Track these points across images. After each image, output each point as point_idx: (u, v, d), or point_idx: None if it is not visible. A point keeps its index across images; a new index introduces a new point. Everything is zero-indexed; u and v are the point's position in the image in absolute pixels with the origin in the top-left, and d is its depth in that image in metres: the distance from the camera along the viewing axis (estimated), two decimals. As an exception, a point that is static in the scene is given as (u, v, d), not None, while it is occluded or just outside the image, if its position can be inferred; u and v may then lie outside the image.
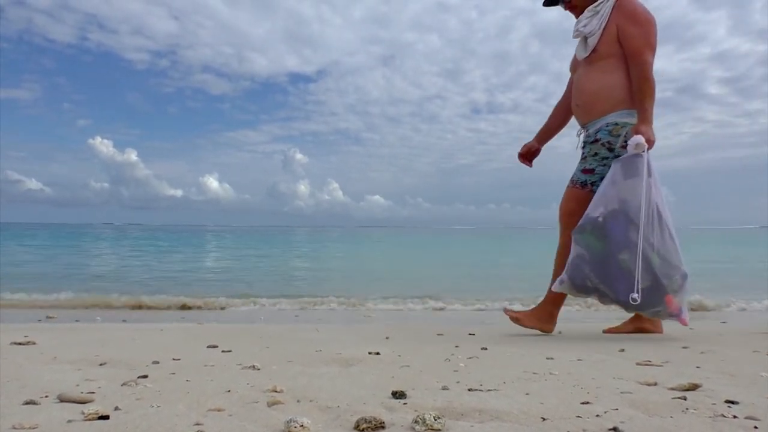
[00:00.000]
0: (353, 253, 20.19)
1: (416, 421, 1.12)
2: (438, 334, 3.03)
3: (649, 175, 2.62)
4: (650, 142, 2.65)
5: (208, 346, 2.37)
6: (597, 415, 1.21)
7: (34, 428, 1.08)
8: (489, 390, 1.46)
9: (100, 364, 1.89)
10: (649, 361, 1.98)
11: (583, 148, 2.96)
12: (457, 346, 2.44)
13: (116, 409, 1.23)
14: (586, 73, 2.92)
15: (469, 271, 11.35)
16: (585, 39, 2.90)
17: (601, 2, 2.82)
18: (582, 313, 5.32)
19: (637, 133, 2.66)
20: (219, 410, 1.23)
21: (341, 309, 5.69)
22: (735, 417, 1.20)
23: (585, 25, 2.87)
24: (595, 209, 2.68)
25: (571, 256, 2.75)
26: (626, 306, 2.70)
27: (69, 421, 1.13)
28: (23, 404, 1.27)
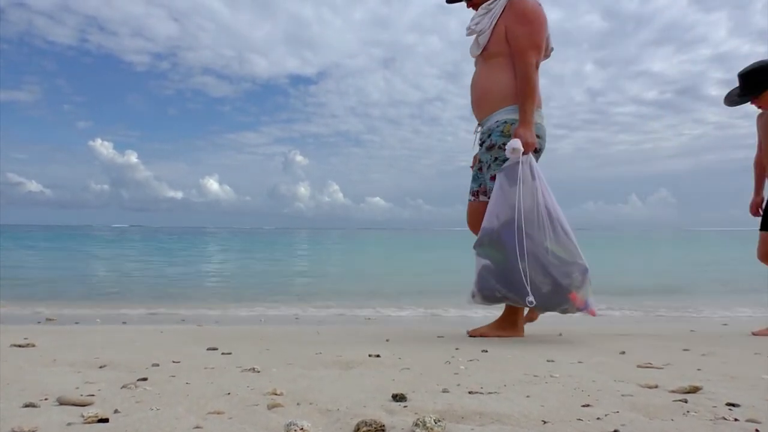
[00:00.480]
0: (354, 255, 20.19)
1: (417, 424, 1.12)
2: (438, 337, 3.02)
3: (533, 177, 2.62)
4: (528, 145, 2.63)
5: (208, 349, 2.37)
6: (598, 418, 1.21)
7: (33, 431, 1.08)
8: (490, 393, 1.46)
9: (100, 367, 1.89)
10: (650, 364, 1.98)
11: (481, 146, 2.92)
12: (457, 349, 2.43)
13: (116, 411, 1.23)
14: (478, 70, 2.93)
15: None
16: (477, 37, 2.90)
17: (495, 1, 2.82)
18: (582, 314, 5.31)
19: (515, 136, 2.65)
20: (219, 413, 1.23)
21: (342, 311, 5.68)
22: (736, 420, 1.20)
23: (477, 23, 2.87)
24: (490, 221, 2.70)
25: (477, 269, 2.77)
26: (537, 309, 2.73)
27: (68, 424, 1.13)
28: (23, 407, 1.27)
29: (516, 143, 2.60)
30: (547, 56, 2.99)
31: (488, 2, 2.84)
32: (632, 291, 7.67)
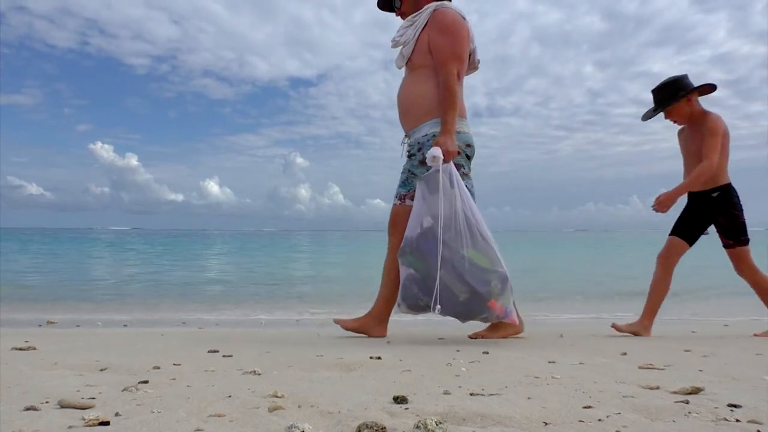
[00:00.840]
0: (354, 257, 20.17)
1: (418, 426, 1.11)
2: (439, 338, 3.02)
3: (452, 185, 2.62)
4: (449, 154, 2.64)
5: (208, 351, 2.37)
6: (599, 420, 1.20)
7: (34, 435, 1.08)
8: (491, 394, 1.46)
9: (101, 370, 1.89)
10: (651, 365, 1.97)
11: (409, 158, 2.92)
12: (458, 351, 2.43)
13: (117, 414, 1.23)
14: (403, 82, 2.94)
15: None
16: (402, 48, 2.91)
17: (419, 13, 2.83)
18: (583, 316, 5.31)
19: (436, 144, 2.65)
20: (220, 416, 1.23)
21: (342, 313, 5.67)
22: (737, 421, 1.19)
23: (401, 35, 2.89)
24: (412, 230, 2.71)
25: (401, 278, 2.77)
26: (459, 318, 2.72)
27: (69, 427, 1.13)
28: (24, 410, 1.27)
29: (436, 151, 2.60)
30: (474, 69, 3.00)
31: (413, 15, 2.86)
32: (632, 293, 7.66)
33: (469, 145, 2.82)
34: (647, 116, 3.39)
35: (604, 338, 3.10)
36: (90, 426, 1.14)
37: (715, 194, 3.23)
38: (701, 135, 3.19)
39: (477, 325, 2.95)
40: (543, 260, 17.35)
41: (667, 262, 3.34)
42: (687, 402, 1.35)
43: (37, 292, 7.30)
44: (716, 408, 1.30)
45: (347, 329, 3.04)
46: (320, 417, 1.24)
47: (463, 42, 2.76)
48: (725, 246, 3.28)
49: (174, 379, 1.70)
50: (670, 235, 3.37)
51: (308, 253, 22.27)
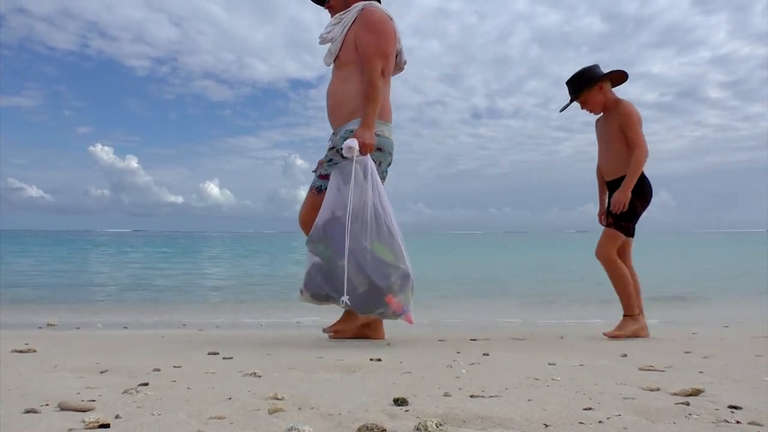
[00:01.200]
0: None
1: (418, 428, 1.12)
2: (439, 340, 3.02)
3: (365, 177, 2.61)
4: (366, 146, 2.64)
5: (209, 353, 2.37)
6: (600, 422, 1.20)
7: (34, 437, 1.08)
8: (491, 396, 1.46)
9: (101, 372, 1.89)
10: (652, 367, 1.97)
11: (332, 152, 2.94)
12: (458, 352, 2.43)
13: (117, 417, 1.23)
14: (332, 79, 2.94)
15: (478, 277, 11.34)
16: (331, 45, 2.91)
17: (348, 10, 2.84)
18: (583, 318, 5.31)
19: (354, 136, 2.66)
20: (220, 418, 1.23)
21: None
22: (738, 422, 1.19)
23: (329, 32, 2.89)
24: (321, 218, 2.70)
25: (307, 266, 2.77)
26: (357, 310, 2.70)
27: (69, 430, 1.13)
28: (24, 413, 1.27)
29: (352, 142, 2.61)
30: (399, 69, 3.00)
31: (342, 12, 2.86)
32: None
33: (380, 150, 2.78)
34: (563, 108, 3.36)
35: (605, 340, 3.10)
36: (90, 428, 1.14)
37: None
38: (616, 123, 3.18)
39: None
40: (554, 262, 17.35)
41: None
42: (687, 403, 1.35)
43: (38, 294, 7.30)
44: (717, 409, 1.30)
45: (342, 336, 3.02)
46: (320, 419, 1.24)
47: (389, 40, 2.77)
48: (607, 225, 3.22)
49: (174, 381, 1.70)
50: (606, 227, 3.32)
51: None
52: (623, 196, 3.11)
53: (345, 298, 2.55)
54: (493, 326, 4.48)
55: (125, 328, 4.42)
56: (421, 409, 1.30)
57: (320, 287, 2.68)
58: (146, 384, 1.63)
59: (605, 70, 3.26)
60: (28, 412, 1.27)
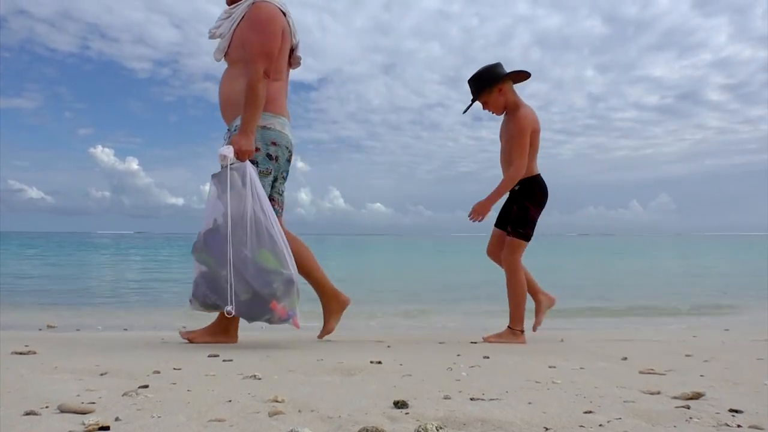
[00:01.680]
0: (355, 261, 20.17)
1: (418, 431, 1.11)
2: (439, 343, 3.02)
3: (244, 184, 2.59)
4: (244, 153, 2.60)
5: (209, 356, 2.36)
6: (600, 425, 1.20)
7: (34, 439, 1.08)
8: (491, 399, 1.46)
9: (101, 374, 1.89)
10: (652, 370, 1.97)
11: None
12: (458, 355, 2.43)
13: (117, 419, 1.23)
14: (223, 75, 2.89)
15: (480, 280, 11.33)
16: (220, 41, 2.86)
17: (238, 5, 2.77)
18: (584, 321, 5.30)
19: (231, 143, 2.62)
20: (220, 421, 1.23)
21: (343, 318, 5.67)
22: (739, 426, 1.19)
23: (218, 27, 2.83)
24: (203, 227, 2.68)
25: (194, 275, 2.75)
26: (243, 318, 2.69)
27: (69, 432, 1.13)
28: (24, 415, 1.27)
29: (226, 150, 2.58)
30: (297, 65, 2.94)
31: (232, 6, 2.80)
32: (633, 296, 7.66)
33: (275, 143, 2.74)
34: (466, 109, 3.30)
35: (605, 343, 3.10)
36: (90, 431, 1.14)
37: (516, 187, 3.16)
38: (512, 128, 3.13)
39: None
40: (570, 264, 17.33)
41: (498, 257, 3.28)
42: (688, 407, 1.35)
43: (38, 296, 7.30)
44: (717, 413, 1.30)
45: (192, 341, 2.94)
46: (321, 422, 1.24)
47: (274, 39, 2.70)
48: (507, 233, 3.18)
49: (174, 383, 1.70)
50: (494, 226, 3.33)
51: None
52: (483, 207, 3.08)
53: (229, 307, 2.56)
54: (493, 329, 4.47)
55: (125, 330, 4.42)
56: (421, 412, 1.30)
57: (207, 296, 2.68)
58: (146, 386, 1.63)
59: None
60: (28, 414, 1.27)
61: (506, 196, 3.28)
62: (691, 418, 1.26)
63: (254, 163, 2.68)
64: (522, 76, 3.21)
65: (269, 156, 2.74)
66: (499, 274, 3.31)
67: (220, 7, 2.88)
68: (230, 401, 1.42)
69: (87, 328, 4.44)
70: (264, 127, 2.70)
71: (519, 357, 2.37)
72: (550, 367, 2.08)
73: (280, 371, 1.95)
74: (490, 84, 3.13)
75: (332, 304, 3.06)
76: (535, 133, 3.13)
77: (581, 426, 1.20)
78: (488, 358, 2.34)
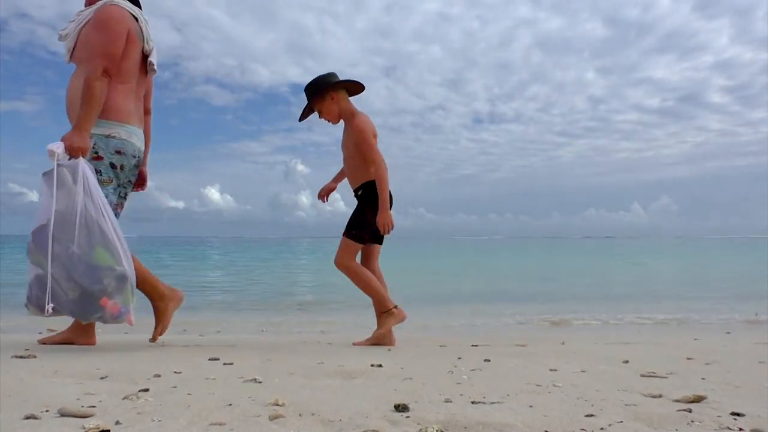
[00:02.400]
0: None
1: (419, 435, 1.11)
2: (440, 346, 3.02)
3: (75, 181, 2.55)
4: (75, 150, 2.56)
5: (209, 359, 2.36)
6: (601, 428, 1.20)
7: (34, 443, 1.08)
8: (492, 402, 1.45)
9: (101, 378, 1.89)
10: (654, 373, 1.97)
11: None
12: (459, 358, 2.43)
13: (117, 423, 1.23)
14: (71, 76, 2.85)
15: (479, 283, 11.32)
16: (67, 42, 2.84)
17: (89, 7, 2.77)
18: (585, 324, 5.29)
19: (62, 139, 2.59)
20: (220, 424, 1.23)
21: (343, 321, 5.67)
22: (741, 430, 1.19)
23: (65, 28, 2.82)
24: (33, 226, 2.63)
25: (29, 278, 2.69)
26: (75, 317, 2.65)
27: (69, 436, 1.13)
28: (24, 419, 1.26)
29: (54, 146, 2.55)
30: (151, 72, 2.92)
31: (82, 9, 2.81)
32: (632, 299, 7.65)
33: (119, 152, 2.73)
34: (301, 117, 3.31)
35: (606, 345, 3.09)
36: (90, 434, 1.14)
37: (359, 192, 3.16)
38: (353, 137, 3.13)
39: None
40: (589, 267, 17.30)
41: (364, 265, 3.24)
42: (690, 410, 1.34)
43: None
44: (719, 416, 1.29)
45: (54, 343, 2.93)
46: (321, 425, 1.23)
47: (116, 39, 2.67)
48: (343, 233, 3.16)
49: (175, 387, 1.70)
50: (344, 235, 3.24)
51: (309, 261, 22.25)
52: (383, 218, 3.04)
53: (49, 306, 2.51)
54: (494, 332, 4.47)
55: (126, 333, 4.41)
56: (422, 416, 1.30)
57: (39, 298, 2.60)
58: (146, 390, 1.62)
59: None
60: (28, 418, 1.27)
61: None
62: (692, 421, 1.25)
63: (97, 172, 2.66)
64: (357, 87, 3.23)
65: (113, 165, 2.73)
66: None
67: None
68: (231, 405, 1.42)
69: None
70: (108, 136, 2.69)
71: (520, 360, 2.37)
72: (551, 370, 2.08)
73: (280, 374, 1.95)
74: (322, 91, 3.13)
75: (78, 332, 2.98)
76: (375, 137, 3.14)
77: (582, 429, 1.19)
78: (489, 361, 2.33)
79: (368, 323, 5.40)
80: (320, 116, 3.25)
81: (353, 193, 3.26)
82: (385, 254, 3.39)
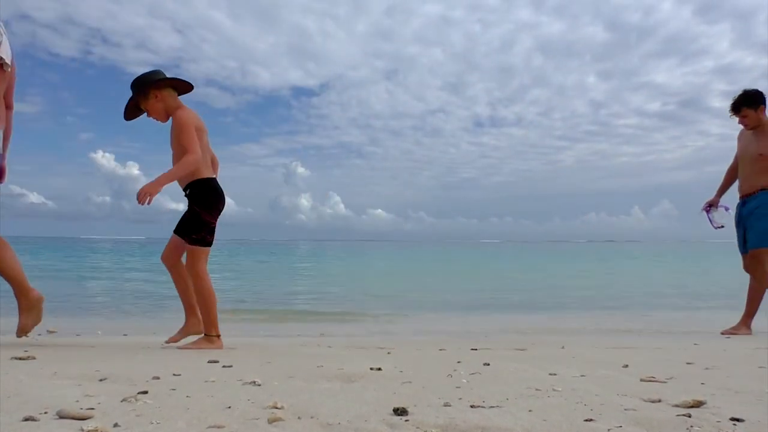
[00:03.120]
0: (357, 267, 20.16)
1: (418, 439, 1.11)
2: (440, 350, 3.01)
3: None
4: None
5: (208, 362, 2.36)
6: (601, 433, 1.20)
7: (32, 445, 1.08)
8: (492, 407, 1.45)
9: (100, 380, 1.88)
10: (653, 378, 1.96)
11: None
12: (459, 362, 2.42)
13: (116, 425, 1.22)
14: None
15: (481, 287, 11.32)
16: None
17: None
18: (585, 327, 5.29)
19: None
20: (219, 427, 1.22)
21: (343, 324, 5.66)
22: (741, 435, 1.18)
23: None
24: None
25: None
26: None
27: (68, 438, 1.13)
28: (22, 420, 1.26)
29: None
30: (5, 67, 2.88)
31: None
32: (632, 303, 7.64)
33: None
34: (127, 115, 3.24)
35: (606, 350, 3.09)
36: (89, 437, 1.14)
37: (187, 191, 3.09)
38: (175, 129, 3.08)
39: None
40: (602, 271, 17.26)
41: (171, 263, 3.20)
42: (689, 415, 1.34)
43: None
44: (719, 422, 1.29)
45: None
46: (320, 428, 1.23)
47: None
48: (186, 241, 3.09)
49: (174, 389, 1.69)
50: (173, 232, 3.19)
51: (309, 263, 22.24)
52: (150, 188, 2.90)
53: None
54: (494, 335, 4.47)
55: (125, 335, 4.41)
56: (421, 419, 1.29)
57: None
58: (145, 392, 1.62)
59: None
60: (26, 419, 1.27)
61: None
62: (692, 426, 1.25)
63: None
64: (185, 86, 3.18)
65: None
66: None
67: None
68: (230, 407, 1.42)
69: (86, 334, 4.44)
70: None
71: (519, 364, 2.36)
72: (550, 374, 2.07)
73: (279, 377, 1.95)
74: (145, 89, 3.09)
75: (23, 301, 3.01)
76: (200, 131, 3.08)
77: (582, 434, 1.19)
78: (489, 365, 2.33)
79: (368, 323, 5.40)
80: (148, 115, 3.19)
81: (183, 192, 3.15)
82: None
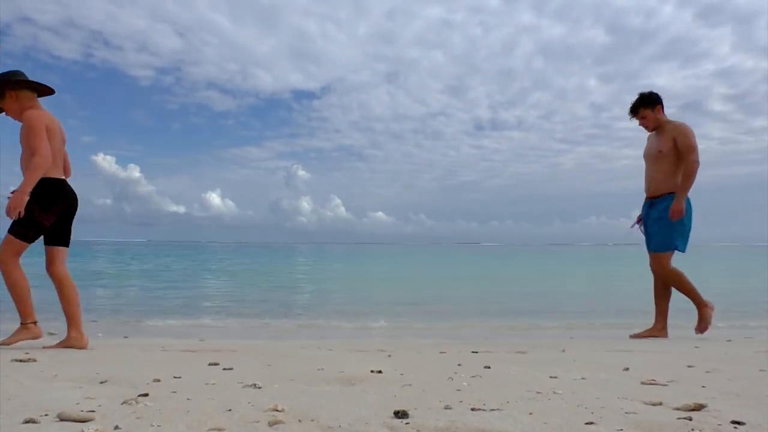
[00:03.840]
0: (357, 269, 20.14)
1: (418, 442, 1.11)
2: (440, 353, 3.01)
3: None
4: None
5: (209, 364, 2.36)
6: (601, 436, 1.20)
7: (33, 447, 1.08)
8: (492, 409, 1.45)
9: (101, 382, 1.88)
10: (654, 381, 1.96)
11: None
12: (459, 365, 2.42)
13: (116, 428, 1.22)
14: None
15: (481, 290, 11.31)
16: None
17: None
18: (585, 331, 5.28)
19: None
20: (219, 429, 1.22)
21: (343, 327, 5.65)
22: (741, 438, 1.18)
23: None
24: None
25: None
26: None
27: (69, 441, 1.13)
28: (23, 423, 1.26)
29: None
30: None
31: None
32: (633, 306, 7.63)
33: None
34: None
35: (607, 353, 3.08)
36: (89, 439, 1.14)
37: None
38: (23, 130, 3.06)
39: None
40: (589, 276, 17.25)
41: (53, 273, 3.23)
42: (690, 419, 1.34)
43: (38, 303, 7.27)
44: (719, 425, 1.29)
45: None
46: (320, 431, 1.23)
47: None
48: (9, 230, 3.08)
49: (174, 392, 1.69)
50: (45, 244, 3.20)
51: (310, 267, 22.23)
52: (17, 202, 2.91)
53: None
54: (494, 338, 4.46)
55: (126, 337, 4.41)
56: (421, 422, 1.29)
57: None
58: (146, 395, 1.62)
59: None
60: (27, 422, 1.27)
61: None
62: (692, 429, 1.25)
63: None
64: (45, 89, 3.19)
65: None
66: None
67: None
68: (230, 410, 1.42)
69: (87, 336, 4.43)
70: None
71: (520, 367, 2.36)
72: (551, 377, 2.07)
73: (280, 380, 1.95)
74: (1, 88, 3.09)
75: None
76: (51, 132, 3.07)
77: (582, 437, 1.19)
78: (489, 368, 2.33)
79: (368, 324, 5.40)
80: (7, 114, 3.19)
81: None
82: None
